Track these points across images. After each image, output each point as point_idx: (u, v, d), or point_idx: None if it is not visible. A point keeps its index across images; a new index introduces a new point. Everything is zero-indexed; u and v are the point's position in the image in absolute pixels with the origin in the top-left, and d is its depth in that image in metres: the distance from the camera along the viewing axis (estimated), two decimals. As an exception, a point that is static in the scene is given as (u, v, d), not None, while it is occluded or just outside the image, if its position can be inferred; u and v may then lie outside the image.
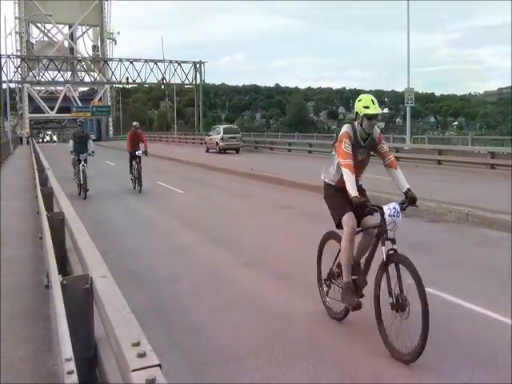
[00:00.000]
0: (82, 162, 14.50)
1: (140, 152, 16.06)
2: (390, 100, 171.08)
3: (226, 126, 41.84)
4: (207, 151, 37.04)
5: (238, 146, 36.34)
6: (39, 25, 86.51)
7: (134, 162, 16.02)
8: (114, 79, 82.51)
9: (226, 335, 4.80)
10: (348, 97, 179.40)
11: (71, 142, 14.86)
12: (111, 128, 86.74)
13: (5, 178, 18.76)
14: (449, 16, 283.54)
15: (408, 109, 31.14)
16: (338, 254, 5.00)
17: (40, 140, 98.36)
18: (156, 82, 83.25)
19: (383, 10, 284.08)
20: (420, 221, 10.40)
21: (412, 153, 24.33)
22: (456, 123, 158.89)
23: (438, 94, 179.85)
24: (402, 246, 8.12)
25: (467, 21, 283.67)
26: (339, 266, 4.96)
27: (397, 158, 23.61)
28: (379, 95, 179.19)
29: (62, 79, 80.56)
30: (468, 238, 8.78)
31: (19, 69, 75.87)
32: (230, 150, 35.43)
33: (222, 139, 35.55)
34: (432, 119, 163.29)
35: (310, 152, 32.20)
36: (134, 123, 17.03)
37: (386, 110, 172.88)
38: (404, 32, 29.26)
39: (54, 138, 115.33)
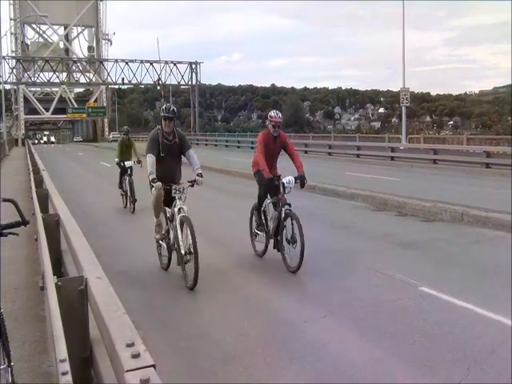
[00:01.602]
0: (179, 204, 6.58)
1: (288, 182, 7.21)
2: (386, 100, 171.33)
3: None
4: None
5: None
6: (34, 26, 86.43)
7: (282, 213, 7.09)
8: (109, 80, 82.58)
9: (222, 335, 4.80)
10: (344, 97, 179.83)
11: (150, 156, 6.60)
12: (107, 129, 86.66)
13: (0, 180, 18.70)
14: (446, 14, 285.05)
15: (403, 108, 31.26)
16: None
17: (36, 141, 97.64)
18: (152, 82, 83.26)
19: (380, 8, 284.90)
20: (415, 220, 10.45)
21: (407, 152, 24.41)
22: (451, 123, 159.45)
23: (433, 93, 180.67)
24: (396, 245, 8.20)
25: (463, 19, 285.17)
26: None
27: (392, 158, 23.99)
28: (375, 95, 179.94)
29: (57, 80, 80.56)
30: (463, 237, 8.80)
31: (14, 70, 75.82)
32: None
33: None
34: (428, 119, 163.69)
35: (305, 152, 32.23)
36: (272, 113, 7.27)
37: (381, 110, 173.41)
38: (400, 31, 29.39)
39: (52, 138, 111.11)
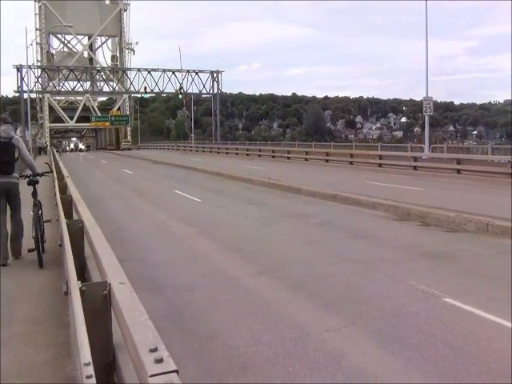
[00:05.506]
0: None
1: None
2: (409, 109, 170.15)
3: (124, 140, 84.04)
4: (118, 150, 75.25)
5: (130, 147, 78.22)
6: (59, 36, 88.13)
7: None
8: (132, 89, 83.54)
9: (242, 343, 4.79)
10: (365, 106, 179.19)
11: None
12: (129, 137, 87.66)
13: (25, 187, 18.98)
14: (467, 23, 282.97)
15: (426, 118, 30.91)
16: None
17: (61, 149, 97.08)
18: (174, 91, 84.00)
19: (400, 17, 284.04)
20: (439, 230, 10.31)
21: (430, 162, 24.13)
22: (475, 132, 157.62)
23: (457, 102, 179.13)
24: (419, 255, 8.10)
25: (485, 28, 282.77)
26: None
27: (415, 168, 23.76)
28: (397, 104, 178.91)
29: (81, 89, 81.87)
30: (488, 248, 8.65)
31: (40, 79, 77.22)
32: (125, 149, 74.39)
33: (123, 144, 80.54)
34: (451, 128, 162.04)
35: (326, 161, 32.09)
36: None
37: (403, 119, 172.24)
38: (421, 40, 29.28)
39: (81, 145, 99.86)
